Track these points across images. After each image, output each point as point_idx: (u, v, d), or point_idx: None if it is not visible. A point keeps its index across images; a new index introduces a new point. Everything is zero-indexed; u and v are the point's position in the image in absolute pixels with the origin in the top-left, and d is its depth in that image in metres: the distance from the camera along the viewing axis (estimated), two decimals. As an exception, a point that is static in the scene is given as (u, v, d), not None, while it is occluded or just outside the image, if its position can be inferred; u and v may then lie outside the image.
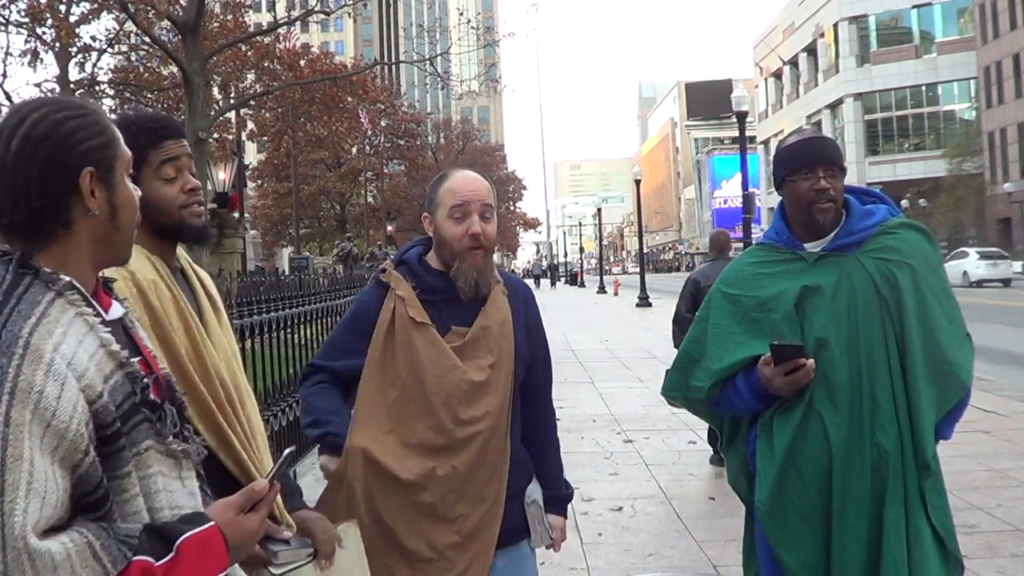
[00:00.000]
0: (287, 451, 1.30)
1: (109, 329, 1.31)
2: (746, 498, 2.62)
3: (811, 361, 2.27)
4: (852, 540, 2.28)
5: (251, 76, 24.98)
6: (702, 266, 7.68)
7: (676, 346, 6.70)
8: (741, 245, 21.81)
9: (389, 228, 42.29)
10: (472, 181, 2.37)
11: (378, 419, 2.29)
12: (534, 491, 2.46)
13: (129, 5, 16.47)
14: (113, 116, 2.04)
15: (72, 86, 23.00)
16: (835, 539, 2.29)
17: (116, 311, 1.42)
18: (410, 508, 2.25)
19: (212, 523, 1.25)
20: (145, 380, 1.32)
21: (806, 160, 2.39)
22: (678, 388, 2.60)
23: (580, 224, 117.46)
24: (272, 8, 29.42)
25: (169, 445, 1.32)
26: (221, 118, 22.30)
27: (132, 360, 1.31)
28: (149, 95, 23.95)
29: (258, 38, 22.47)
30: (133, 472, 1.25)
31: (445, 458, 2.27)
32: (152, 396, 1.32)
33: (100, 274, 1.44)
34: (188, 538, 1.22)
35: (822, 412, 2.31)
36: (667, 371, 2.67)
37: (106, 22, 23.34)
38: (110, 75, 24.69)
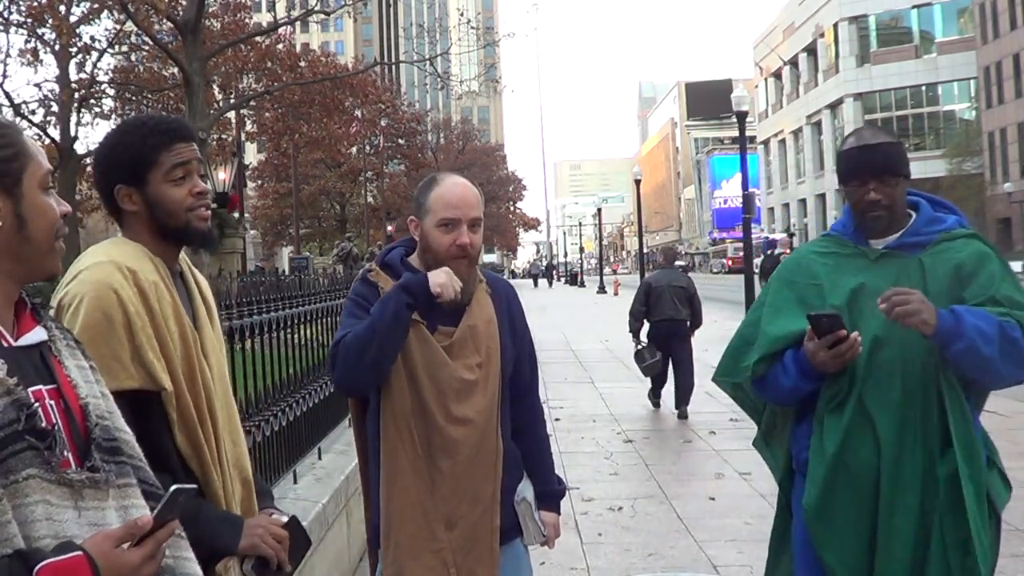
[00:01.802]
0: (173, 488, 1.27)
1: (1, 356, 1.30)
2: (785, 495, 2.59)
3: (855, 333, 2.24)
4: (899, 546, 2.26)
5: (251, 77, 24.96)
6: (653, 272, 9.87)
7: (631, 331, 9.35)
8: (741, 245, 21.83)
9: (389, 228, 42.25)
10: (463, 191, 2.36)
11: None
12: (523, 489, 2.46)
13: (129, 5, 16.48)
14: (127, 118, 2.04)
15: (72, 86, 23.01)
16: (880, 544, 2.27)
17: (35, 336, 1.40)
18: (416, 514, 2.26)
19: (78, 552, 1.21)
20: (35, 407, 1.29)
21: (857, 170, 2.39)
22: (728, 372, 2.59)
23: (580, 224, 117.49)
24: (272, 8, 29.42)
25: (63, 474, 1.29)
26: (221, 118, 22.28)
27: (21, 388, 1.29)
28: (149, 95, 23.94)
29: (258, 39, 22.46)
30: (4, 499, 1.23)
31: (440, 458, 2.28)
32: (43, 425, 1.29)
33: (31, 298, 1.43)
34: (47, 565, 1.19)
35: (873, 413, 2.29)
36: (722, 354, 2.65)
37: (106, 23, 23.36)
38: (110, 75, 24.67)
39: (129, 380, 1.70)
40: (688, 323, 9.12)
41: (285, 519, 1.93)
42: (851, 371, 2.31)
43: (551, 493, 2.54)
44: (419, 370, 2.28)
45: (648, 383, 9.65)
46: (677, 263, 10.72)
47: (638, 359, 9.24)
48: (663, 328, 9.00)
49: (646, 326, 9.32)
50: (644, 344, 9.18)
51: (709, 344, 16.36)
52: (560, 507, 2.59)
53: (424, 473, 2.27)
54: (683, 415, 8.84)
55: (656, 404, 9.47)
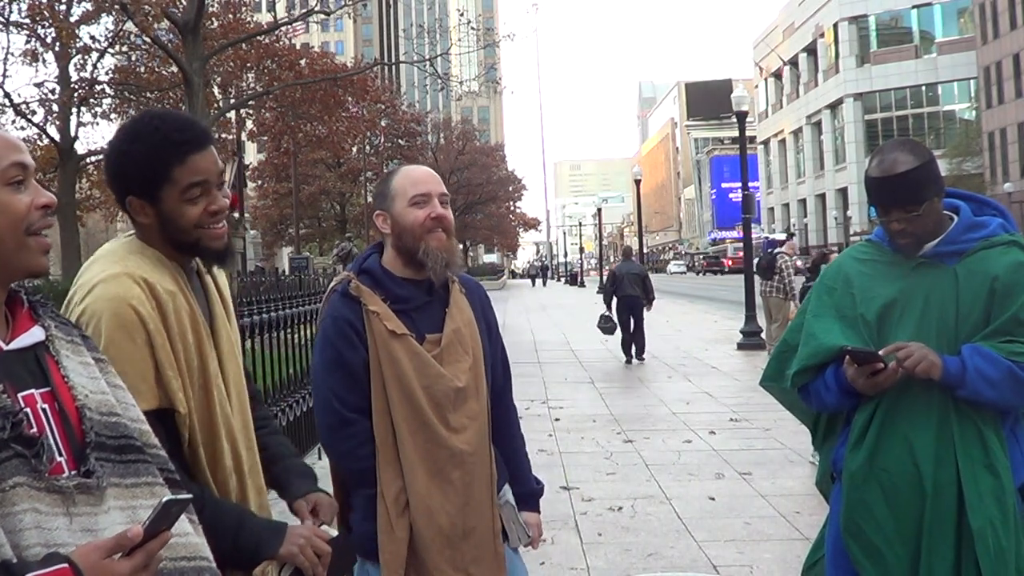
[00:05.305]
0: (165, 499, 1.24)
1: None
2: (829, 501, 2.60)
3: (892, 364, 2.24)
4: (939, 564, 2.25)
5: (251, 76, 24.96)
6: (618, 264, 15.13)
7: (604, 302, 14.17)
8: (741, 245, 21.83)
9: (389, 228, 42.10)
10: (428, 172, 2.41)
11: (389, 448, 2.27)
12: (503, 492, 2.43)
13: (129, 5, 16.48)
14: (137, 118, 1.84)
15: (72, 86, 23.01)
16: (923, 564, 2.27)
17: (31, 337, 1.37)
18: (435, 535, 2.23)
19: (63, 565, 1.18)
20: (20, 415, 1.26)
21: (878, 200, 2.36)
22: (775, 378, 2.58)
23: (580, 224, 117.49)
24: (272, 8, 29.41)
25: (52, 481, 1.26)
26: (221, 118, 22.29)
27: (6, 396, 1.26)
28: (149, 95, 23.92)
29: (258, 38, 22.47)
30: None
31: (451, 470, 2.25)
32: (32, 432, 1.26)
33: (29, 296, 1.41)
34: None
35: (906, 429, 2.30)
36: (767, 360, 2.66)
37: (106, 24, 23.35)
38: (110, 75, 24.66)
39: (154, 400, 1.68)
40: (642, 298, 13.59)
41: (333, 533, 1.91)
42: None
43: (531, 493, 2.52)
44: (414, 384, 2.23)
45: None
46: (632, 258, 15.86)
47: (600, 321, 13.92)
48: (626, 302, 13.67)
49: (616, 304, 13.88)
50: (607, 314, 13.85)
51: (710, 344, 16.40)
52: (539, 506, 2.56)
53: (438, 488, 2.24)
54: (640, 358, 13.56)
55: (628, 361, 13.67)
